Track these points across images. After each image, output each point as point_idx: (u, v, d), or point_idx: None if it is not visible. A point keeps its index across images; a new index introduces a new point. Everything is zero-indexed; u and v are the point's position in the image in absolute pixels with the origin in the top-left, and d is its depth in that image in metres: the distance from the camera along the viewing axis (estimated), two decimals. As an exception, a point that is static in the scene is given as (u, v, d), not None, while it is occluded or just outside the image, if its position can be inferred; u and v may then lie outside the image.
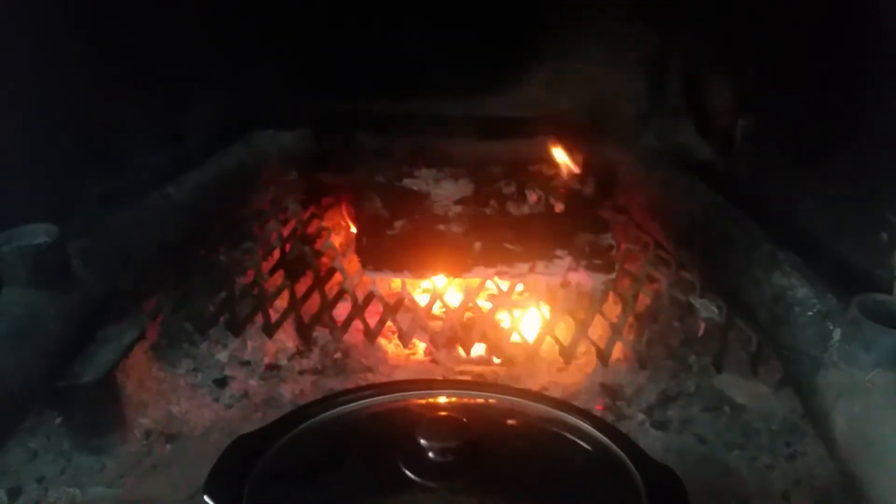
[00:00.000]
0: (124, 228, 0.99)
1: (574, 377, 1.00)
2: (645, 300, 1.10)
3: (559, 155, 1.33)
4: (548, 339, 1.03)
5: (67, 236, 0.85)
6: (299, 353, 1.03)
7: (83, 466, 0.86)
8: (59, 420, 0.89)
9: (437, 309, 1.09)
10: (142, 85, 1.08)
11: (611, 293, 1.11)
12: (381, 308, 1.07)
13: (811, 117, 1.00)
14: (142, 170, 1.09)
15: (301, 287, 1.12)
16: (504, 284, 1.13)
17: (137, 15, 1.05)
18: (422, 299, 1.11)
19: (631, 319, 1.06)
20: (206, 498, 0.56)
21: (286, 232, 1.26)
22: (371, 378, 0.99)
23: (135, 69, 1.06)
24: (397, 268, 1.12)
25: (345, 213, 1.32)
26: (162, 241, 1.03)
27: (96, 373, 0.85)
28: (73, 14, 0.94)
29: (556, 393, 0.95)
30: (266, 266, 1.17)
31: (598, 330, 1.05)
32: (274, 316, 1.05)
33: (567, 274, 1.12)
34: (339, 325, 1.05)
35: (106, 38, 1.00)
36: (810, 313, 0.84)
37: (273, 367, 1.01)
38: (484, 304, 1.10)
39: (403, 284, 1.12)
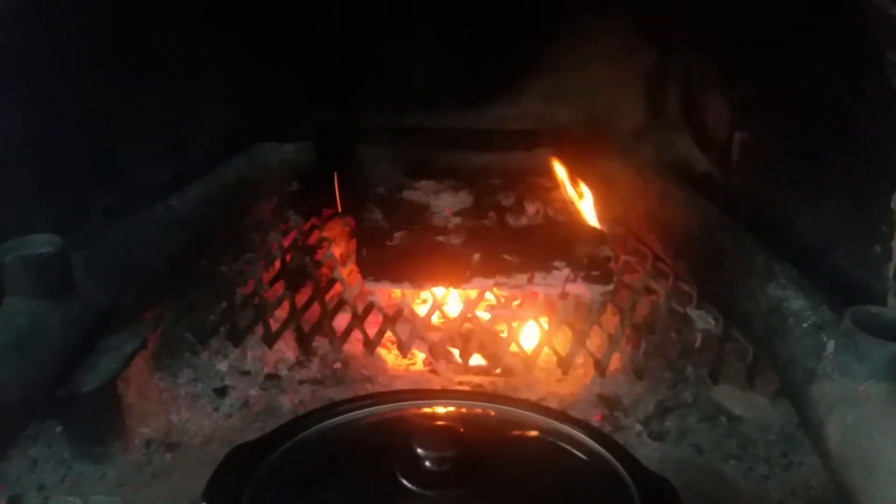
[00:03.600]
0: (127, 240, 1.00)
1: (572, 388, 1.00)
2: (643, 311, 1.11)
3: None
4: (546, 349, 1.04)
5: (71, 247, 0.85)
6: (299, 363, 1.04)
7: (83, 475, 0.86)
8: (59, 428, 0.89)
9: (436, 319, 1.10)
10: (146, 99, 1.09)
11: (609, 304, 1.11)
12: (380, 318, 1.08)
13: (808, 130, 1.01)
14: (145, 182, 1.10)
15: (301, 297, 1.13)
16: (503, 295, 1.13)
17: (142, 30, 1.06)
18: (421, 310, 1.12)
19: (628, 330, 1.07)
20: (205, 505, 0.57)
21: (287, 243, 1.27)
22: (370, 388, 1.00)
23: (140, 84, 1.07)
24: (397, 278, 1.12)
25: (345, 224, 1.33)
26: (164, 253, 1.04)
27: (97, 382, 0.86)
28: (79, 28, 0.95)
29: (553, 404, 0.96)
30: (267, 277, 1.17)
31: (595, 341, 1.06)
32: (274, 326, 1.06)
33: (565, 285, 1.12)
34: (339, 335, 1.05)
35: (112, 53, 1.01)
36: (805, 325, 0.84)
37: (273, 377, 1.02)
38: (482, 314, 1.11)
39: (403, 295, 1.12)
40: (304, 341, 1.05)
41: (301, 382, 1.01)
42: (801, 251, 0.98)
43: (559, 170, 1.32)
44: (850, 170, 0.92)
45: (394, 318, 1.08)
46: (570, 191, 1.30)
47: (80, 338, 0.86)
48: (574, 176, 1.33)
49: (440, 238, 1.19)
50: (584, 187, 1.31)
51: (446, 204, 1.28)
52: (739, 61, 1.17)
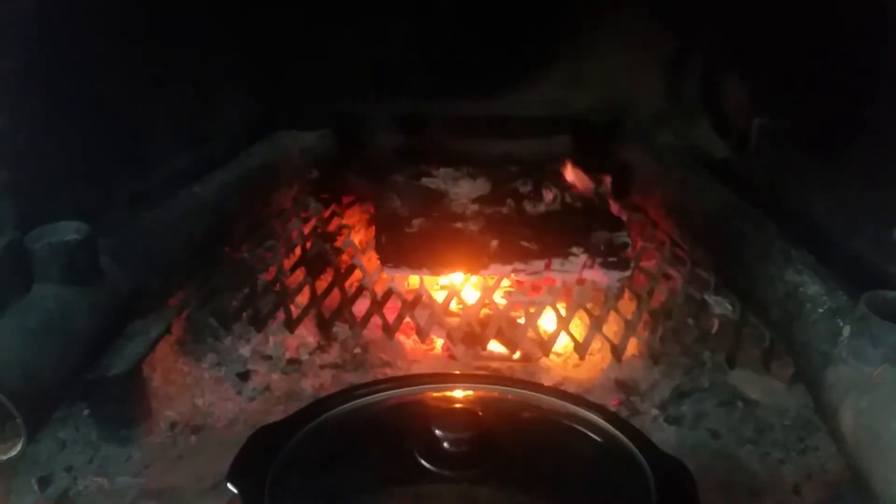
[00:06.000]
0: (152, 226, 1.02)
1: (589, 373, 1.01)
2: (660, 297, 1.11)
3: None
4: (563, 335, 1.04)
5: (97, 234, 0.87)
6: (320, 348, 1.05)
7: (110, 456, 0.88)
8: (87, 411, 0.91)
9: (454, 305, 1.11)
10: (169, 88, 1.11)
11: (626, 290, 1.12)
12: (399, 304, 1.09)
13: (826, 117, 1.01)
14: (169, 170, 1.11)
15: (322, 284, 1.14)
16: (520, 281, 1.14)
17: (165, 20, 1.07)
18: (439, 296, 1.13)
19: (645, 316, 1.07)
20: (229, 486, 0.58)
21: (307, 230, 1.28)
22: (389, 372, 1.01)
23: (162, 73, 1.08)
24: (415, 265, 1.14)
25: (364, 211, 1.34)
26: (188, 239, 1.05)
27: (124, 366, 0.87)
28: (103, 18, 0.96)
29: (570, 388, 0.96)
30: (288, 263, 1.19)
31: (612, 326, 1.06)
32: (295, 312, 1.08)
33: (582, 271, 1.13)
34: (359, 320, 1.07)
35: (135, 44, 1.02)
36: (821, 310, 0.85)
37: (294, 362, 1.03)
38: (500, 300, 1.12)
39: (421, 281, 1.13)
40: (324, 327, 1.07)
41: (322, 367, 1.03)
42: (818, 237, 0.98)
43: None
44: (868, 156, 0.92)
45: (412, 303, 1.09)
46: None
47: (107, 323, 0.88)
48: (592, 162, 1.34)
49: (458, 225, 1.20)
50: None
51: (464, 191, 1.29)
52: (758, 47, 1.16)
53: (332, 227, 1.30)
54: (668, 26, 1.35)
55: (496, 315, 1.08)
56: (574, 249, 1.14)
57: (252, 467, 0.60)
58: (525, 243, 1.15)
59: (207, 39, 1.18)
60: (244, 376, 1.01)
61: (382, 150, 1.42)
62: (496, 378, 0.92)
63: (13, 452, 0.74)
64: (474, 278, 1.15)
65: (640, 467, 0.61)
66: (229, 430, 0.92)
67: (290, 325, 1.05)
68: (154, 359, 0.93)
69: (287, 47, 1.34)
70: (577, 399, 0.70)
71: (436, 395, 0.69)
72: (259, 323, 1.06)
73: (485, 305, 1.10)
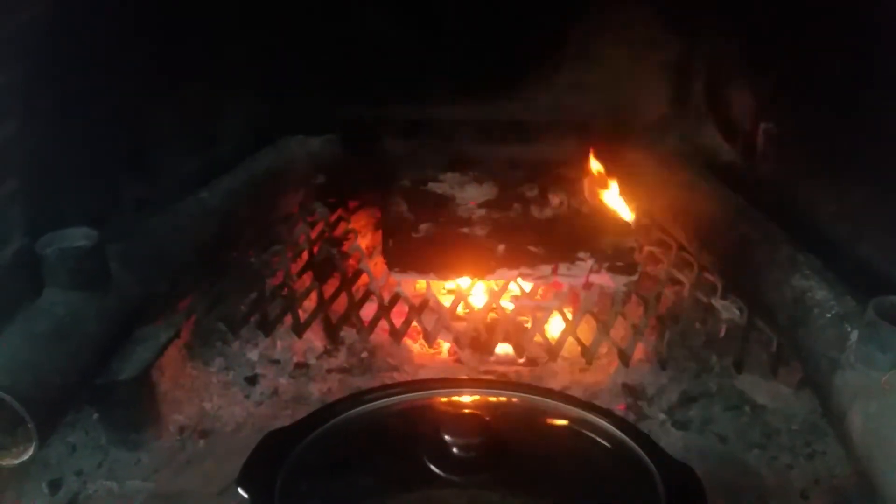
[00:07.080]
0: (160, 232, 1.02)
1: (596, 377, 1.01)
2: (667, 302, 1.12)
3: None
4: (570, 339, 1.04)
5: (106, 240, 0.88)
6: (327, 353, 1.06)
7: (120, 460, 0.89)
8: (96, 415, 0.91)
9: (461, 310, 1.11)
10: (176, 93, 1.11)
11: (633, 295, 1.12)
12: (406, 309, 1.09)
13: (833, 121, 1.01)
14: (176, 176, 1.12)
15: (329, 288, 1.14)
16: (527, 286, 1.14)
17: (171, 26, 1.08)
18: (446, 300, 1.13)
19: (653, 321, 1.07)
20: (239, 490, 0.59)
21: (314, 234, 1.28)
22: (397, 377, 1.01)
23: (169, 78, 1.09)
24: (422, 269, 1.14)
25: (370, 216, 1.34)
26: (196, 244, 1.06)
27: (133, 371, 0.88)
28: (109, 24, 0.97)
29: (578, 393, 0.96)
30: (295, 268, 1.19)
31: (620, 331, 1.06)
32: (303, 316, 1.08)
33: (589, 276, 1.13)
34: (366, 325, 1.07)
35: (141, 50, 1.03)
36: (829, 315, 0.85)
37: (302, 366, 1.04)
38: (507, 305, 1.12)
39: (428, 286, 1.14)
40: (331, 331, 1.07)
41: (329, 371, 1.03)
42: (825, 242, 0.99)
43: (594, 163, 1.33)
44: (875, 160, 0.92)
45: (420, 308, 1.09)
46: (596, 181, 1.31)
47: (116, 328, 0.88)
48: (599, 166, 1.34)
49: (465, 230, 1.20)
50: (609, 177, 1.32)
51: (471, 196, 1.29)
52: (765, 51, 1.17)
53: (338, 231, 1.30)
54: (675, 31, 1.36)
55: (503, 319, 1.08)
56: (581, 254, 1.14)
57: (262, 471, 0.60)
58: (532, 248, 1.15)
59: (213, 46, 1.19)
60: (252, 380, 1.01)
61: (389, 155, 1.42)
62: (504, 383, 0.92)
63: (24, 456, 0.75)
64: (481, 283, 1.15)
65: (647, 472, 0.61)
66: (237, 434, 0.92)
67: (298, 329, 1.06)
68: (163, 363, 0.93)
69: (293, 52, 1.35)
70: (585, 404, 0.70)
71: (444, 400, 0.69)
72: (267, 327, 1.06)
73: (492, 310, 1.10)
